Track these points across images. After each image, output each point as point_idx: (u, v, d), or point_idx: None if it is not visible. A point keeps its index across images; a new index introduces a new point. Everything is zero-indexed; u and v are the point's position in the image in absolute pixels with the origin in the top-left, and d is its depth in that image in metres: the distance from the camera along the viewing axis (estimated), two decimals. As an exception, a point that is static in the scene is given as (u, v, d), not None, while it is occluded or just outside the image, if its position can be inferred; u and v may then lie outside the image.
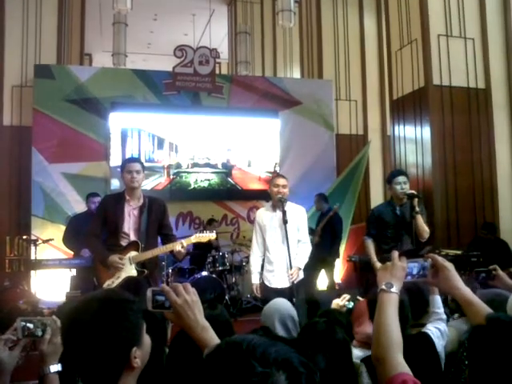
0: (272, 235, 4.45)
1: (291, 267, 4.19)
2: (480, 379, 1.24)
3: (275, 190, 4.43)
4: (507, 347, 1.21)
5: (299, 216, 4.54)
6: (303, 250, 4.48)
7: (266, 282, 4.46)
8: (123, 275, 3.95)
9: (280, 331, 2.49)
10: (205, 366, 0.89)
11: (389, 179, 4.88)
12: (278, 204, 4.40)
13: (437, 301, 2.65)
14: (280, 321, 2.55)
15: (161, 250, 4.12)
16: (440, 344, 2.45)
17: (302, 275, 4.43)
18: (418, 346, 2.30)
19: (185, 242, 4.05)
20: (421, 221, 4.55)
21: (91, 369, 1.32)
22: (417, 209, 4.53)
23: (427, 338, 2.41)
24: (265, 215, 4.55)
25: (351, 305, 3.21)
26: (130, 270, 3.98)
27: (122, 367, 1.33)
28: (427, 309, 2.68)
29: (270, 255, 4.45)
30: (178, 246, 3.99)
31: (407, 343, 2.12)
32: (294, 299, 4.00)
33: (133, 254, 3.99)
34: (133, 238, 4.05)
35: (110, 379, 1.32)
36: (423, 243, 4.76)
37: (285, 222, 4.23)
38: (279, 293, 4.07)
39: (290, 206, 4.46)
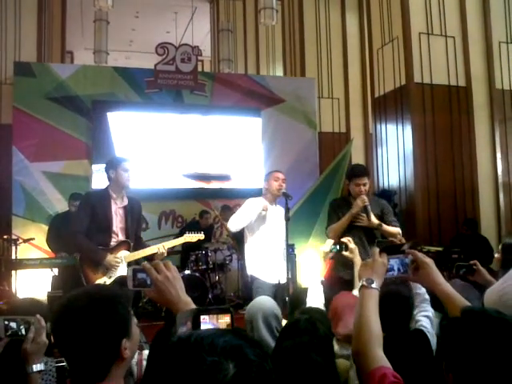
0: (270, 228, 4.22)
1: (285, 263, 4.08)
2: (455, 370, 1.25)
3: (276, 183, 4.22)
4: (480, 337, 1.23)
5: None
6: None
7: (258, 276, 4.25)
8: (116, 274, 3.92)
9: (263, 329, 2.48)
10: (158, 364, 0.90)
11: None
12: (277, 199, 4.23)
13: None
14: (263, 319, 2.54)
15: (151, 249, 4.08)
16: (434, 341, 2.43)
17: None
18: (415, 344, 2.29)
19: (166, 245, 4.08)
20: (387, 228, 4.17)
21: (82, 360, 1.35)
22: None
23: (424, 336, 2.39)
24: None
25: (336, 249, 3.25)
26: (123, 270, 3.92)
27: (112, 358, 1.36)
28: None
29: (266, 248, 4.22)
30: (160, 249, 4.02)
31: (406, 341, 2.13)
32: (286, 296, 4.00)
33: (125, 253, 3.95)
34: (121, 237, 4.00)
35: (100, 370, 1.35)
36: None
37: (287, 218, 3.98)
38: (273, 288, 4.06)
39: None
